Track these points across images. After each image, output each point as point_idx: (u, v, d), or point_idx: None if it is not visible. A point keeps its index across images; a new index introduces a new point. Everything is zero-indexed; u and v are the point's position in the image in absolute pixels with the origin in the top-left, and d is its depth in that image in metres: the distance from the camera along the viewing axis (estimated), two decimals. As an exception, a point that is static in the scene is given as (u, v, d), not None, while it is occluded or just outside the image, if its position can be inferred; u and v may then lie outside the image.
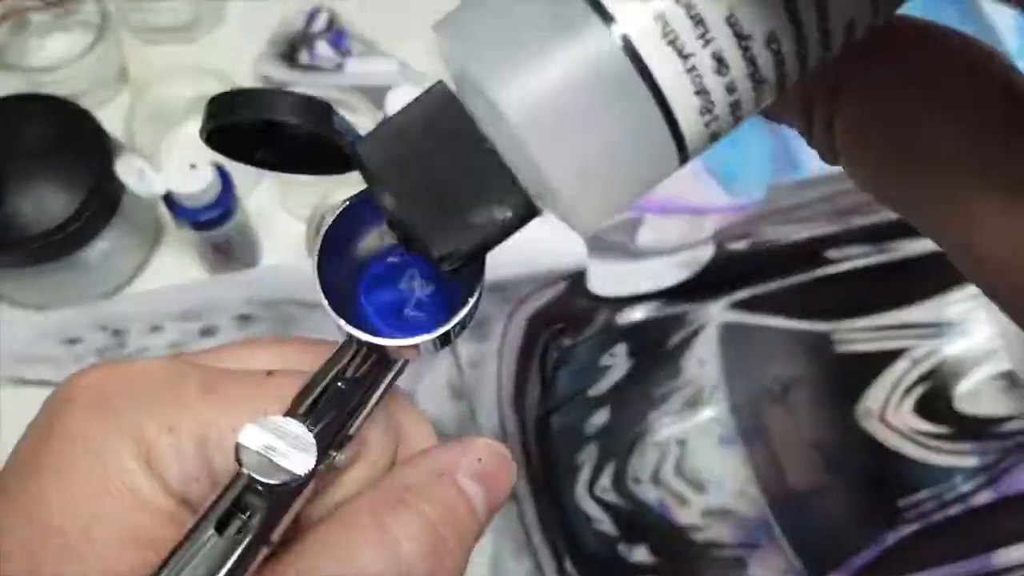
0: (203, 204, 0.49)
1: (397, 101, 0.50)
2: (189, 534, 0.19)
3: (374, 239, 0.21)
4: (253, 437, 0.19)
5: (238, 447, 0.18)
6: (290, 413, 0.20)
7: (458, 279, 0.19)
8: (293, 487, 0.19)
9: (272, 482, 0.18)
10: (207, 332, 0.50)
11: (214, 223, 0.51)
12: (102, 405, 0.21)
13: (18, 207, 0.48)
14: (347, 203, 0.19)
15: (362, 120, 0.60)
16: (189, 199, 0.48)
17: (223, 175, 0.50)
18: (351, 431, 0.20)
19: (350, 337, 0.19)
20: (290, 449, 0.19)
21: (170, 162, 0.48)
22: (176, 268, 0.58)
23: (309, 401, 0.20)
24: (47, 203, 0.49)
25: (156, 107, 0.58)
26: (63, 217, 0.49)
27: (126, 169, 0.46)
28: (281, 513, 0.19)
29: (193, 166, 0.48)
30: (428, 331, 0.19)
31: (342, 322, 0.19)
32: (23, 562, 0.19)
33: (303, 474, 0.19)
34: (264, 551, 0.19)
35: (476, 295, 0.19)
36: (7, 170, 0.48)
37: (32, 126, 0.49)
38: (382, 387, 0.21)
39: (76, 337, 0.48)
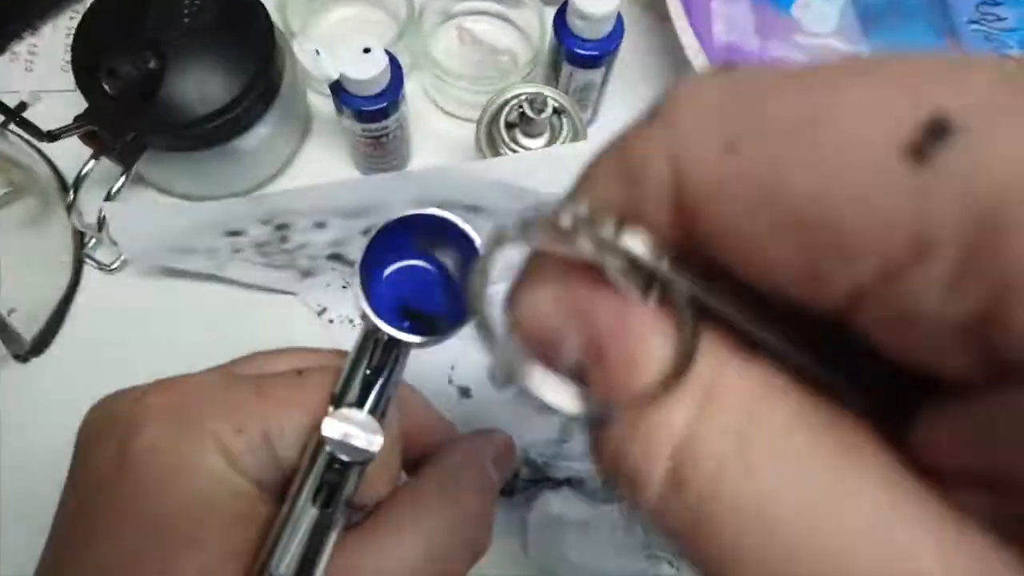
0: (372, 93, 0.46)
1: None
2: (291, 507, 0.24)
3: (397, 255, 0.25)
4: (333, 427, 0.23)
5: (323, 438, 0.23)
6: (338, 400, 0.24)
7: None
8: (367, 461, 0.24)
9: (356, 460, 0.24)
10: (370, 231, 0.48)
11: (380, 115, 0.47)
12: (178, 419, 0.25)
13: (178, 89, 0.45)
14: (392, 221, 0.24)
15: (525, 13, 0.55)
16: (359, 86, 0.45)
17: (394, 64, 0.46)
18: (383, 408, 0.25)
19: (374, 332, 0.24)
20: (362, 432, 0.24)
21: (342, 45, 0.44)
22: (324, 162, 0.55)
23: (352, 390, 0.24)
24: (208, 85, 0.46)
25: (307, -12, 0.54)
26: (225, 101, 0.46)
27: (303, 51, 0.43)
28: (356, 482, 0.24)
29: (367, 50, 0.44)
30: (428, 322, 0.24)
31: (384, 325, 0.23)
32: (144, 564, 0.23)
33: (376, 451, 0.24)
34: (346, 513, 0.24)
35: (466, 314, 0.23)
36: (167, 50, 0.45)
37: (195, 1, 0.46)
38: (397, 371, 0.25)
39: (239, 229, 0.46)
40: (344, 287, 0.52)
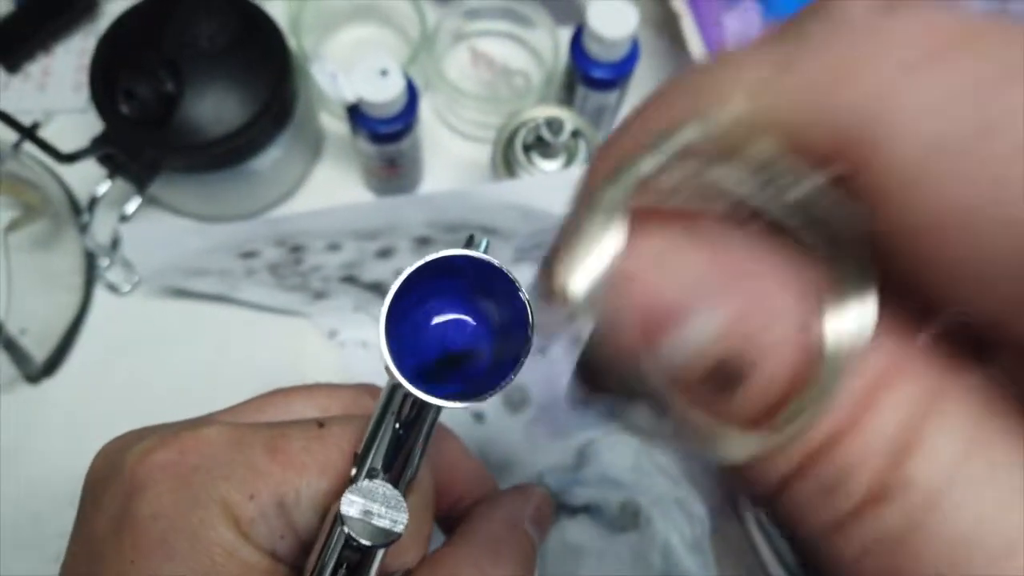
0: (389, 115, 0.46)
1: (597, 14, 0.46)
2: None
3: (428, 299, 0.21)
4: (352, 504, 0.21)
5: (341, 516, 0.20)
6: (360, 462, 0.22)
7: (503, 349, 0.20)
8: (390, 543, 0.21)
9: (377, 543, 0.21)
10: (384, 253, 0.48)
11: (395, 136, 0.47)
12: (183, 483, 0.22)
13: (195, 111, 0.45)
14: (420, 264, 0.20)
15: (538, 34, 0.55)
16: (376, 108, 0.45)
17: (410, 86, 0.46)
18: (413, 470, 0.22)
19: (401, 387, 0.20)
20: (384, 509, 0.21)
21: (359, 68, 0.44)
22: (335, 182, 0.55)
23: (375, 450, 0.22)
24: (224, 107, 0.46)
25: (319, 10, 0.54)
26: (240, 123, 0.46)
27: (321, 74, 0.42)
28: (380, 561, 0.22)
29: (385, 72, 0.44)
30: (460, 379, 0.21)
31: (409, 386, 0.19)
32: None
33: (401, 531, 0.21)
34: None
35: (522, 361, 0.19)
36: (184, 72, 0.45)
37: (211, 24, 0.46)
38: (429, 429, 0.22)
39: (254, 251, 0.46)
40: (355, 309, 0.51)
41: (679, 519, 0.44)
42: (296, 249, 0.46)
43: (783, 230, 0.11)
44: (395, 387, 0.21)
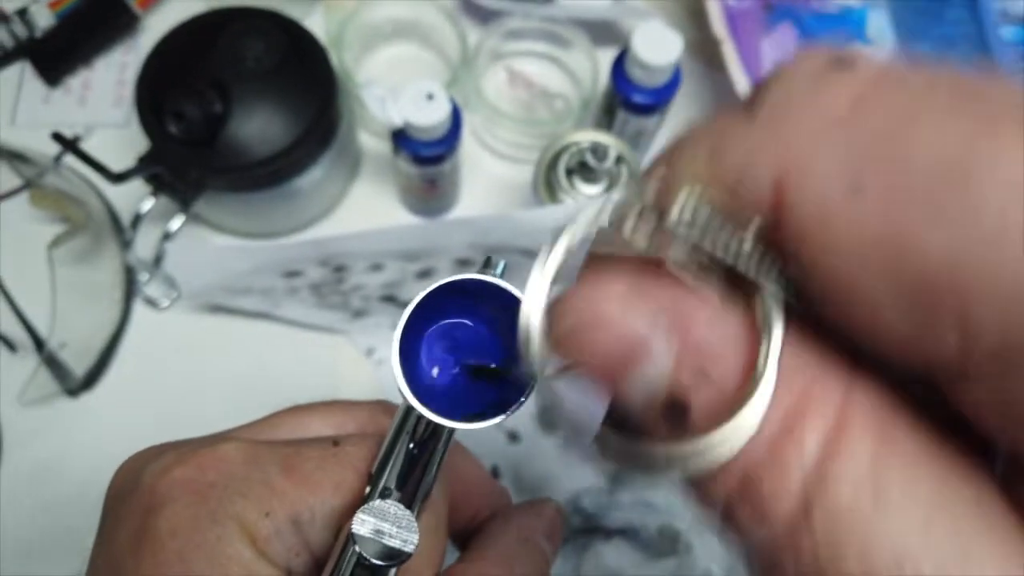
0: (433, 138, 0.46)
1: (642, 39, 0.46)
2: None
3: (443, 322, 0.22)
4: (364, 524, 0.21)
5: (353, 535, 0.21)
6: (373, 482, 0.22)
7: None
8: (401, 562, 0.21)
9: (388, 563, 0.21)
10: (424, 274, 0.48)
11: (437, 159, 0.48)
12: (201, 500, 0.22)
13: (241, 131, 0.46)
14: (436, 287, 0.21)
15: (577, 56, 0.56)
16: (421, 132, 0.45)
17: (455, 110, 0.46)
18: (428, 488, 0.22)
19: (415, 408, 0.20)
20: (395, 529, 0.21)
21: (406, 92, 0.44)
22: (372, 201, 0.56)
23: (389, 469, 0.22)
24: (270, 128, 0.46)
25: (360, 27, 0.55)
26: (286, 143, 0.46)
27: (371, 97, 0.43)
28: None
29: (431, 96, 0.44)
30: (478, 398, 0.21)
31: (421, 407, 0.20)
32: None
33: (411, 551, 0.21)
34: None
35: (531, 388, 0.20)
36: (231, 92, 0.45)
37: (257, 44, 0.46)
38: (443, 450, 0.22)
39: (297, 270, 0.46)
40: (392, 328, 0.52)
41: (716, 546, 0.45)
42: (339, 269, 0.47)
43: (723, 273, 0.12)
44: (410, 407, 0.21)
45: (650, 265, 0.12)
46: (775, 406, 0.12)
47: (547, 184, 0.47)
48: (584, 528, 0.47)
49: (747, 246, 0.12)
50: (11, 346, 0.49)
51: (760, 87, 0.13)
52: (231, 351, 0.52)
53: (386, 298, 0.49)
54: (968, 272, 0.10)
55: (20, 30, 0.55)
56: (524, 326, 0.13)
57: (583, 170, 0.47)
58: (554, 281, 0.13)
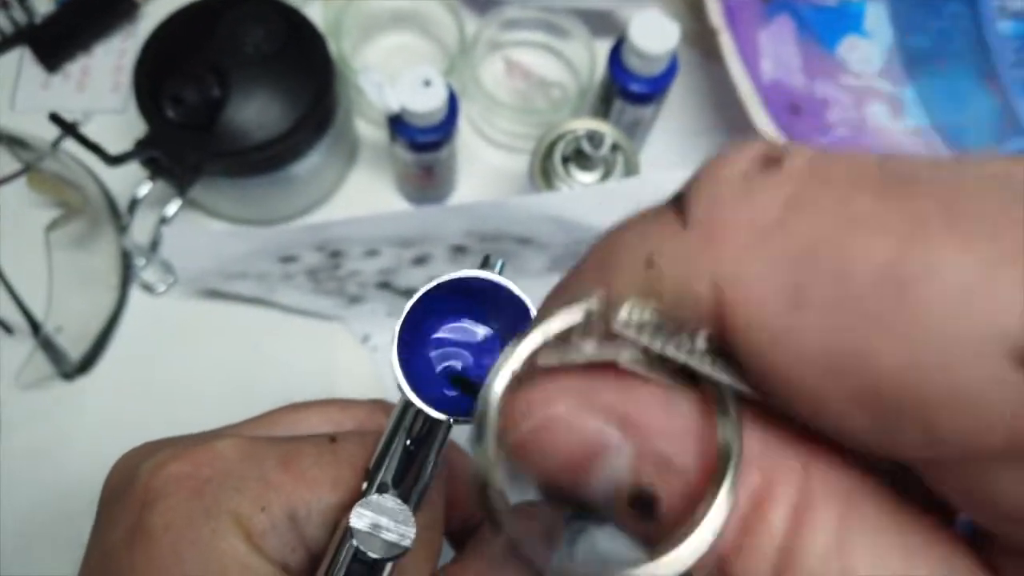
0: (430, 125, 0.46)
1: (639, 28, 0.46)
2: None
3: (442, 318, 0.22)
4: (361, 518, 0.21)
5: (350, 529, 0.21)
6: (370, 477, 0.22)
7: None
8: (398, 556, 0.21)
9: (385, 556, 0.21)
10: (420, 260, 0.48)
11: (434, 146, 0.48)
12: (196, 495, 0.22)
13: (239, 116, 0.46)
14: (435, 284, 0.20)
15: (574, 46, 0.56)
16: (418, 118, 0.45)
17: (452, 97, 0.47)
18: (425, 485, 0.23)
19: (413, 403, 0.20)
20: (393, 524, 0.21)
21: (403, 78, 0.44)
22: (369, 189, 0.56)
23: (386, 465, 0.22)
24: (267, 113, 0.46)
25: (358, 15, 0.55)
26: (283, 129, 0.46)
27: (368, 83, 0.43)
28: (381, 575, 0.22)
29: (428, 83, 0.44)
30: (471, 398, 0.21)
31: (419, 401, 0.20)
32: None
33: (408, 545, 0.21)
34: None
35: None
36: (229, 77, 0.46)
37: (256, 30, 0.46)
38: (440, 447, 0.23)
39: (294, 255, 0.46)
40: (388, 315, 0.52)
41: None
42: (335, 254, 0.47)
43: (674, 367, 0.12)
44: (407, 404, 0.22)
45: (600, 368, 0.13)
46: (741, 488, 0.12)
47: (543, 172, 0.48)
48: (578, 515, 0.47)
49: (699, 345, 0.12)
50: (7, 329, 0.49)
51: (690, 184, 0.13)
52: (227, 337, 0.52)
53: (382, 284, 0.50)
54: (924, 383, 0.10)
55: (20, 16, 0.55)
56: (480, 430, 0.13)
57: (579, 157, 0.47)
58: (510, 385, 0.13)
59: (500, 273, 0.21)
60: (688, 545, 0.12)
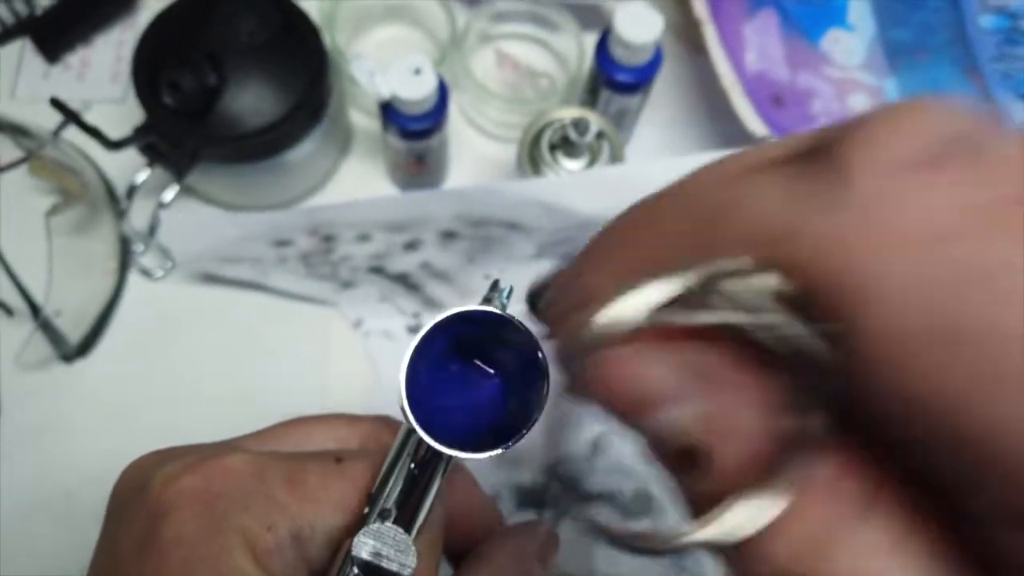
0: (420, 112, 0.47)
1: (623, 19, 0.48)
2: None
3: (449, 351, 0.22)
4: (363, 546, 0.22)
5: (352, 557, 0.21)
6: (373, 502, 0.23)
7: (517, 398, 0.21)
8: None
9: None
10: (411, 246, 0.49)
11: (425, 134, 0.49)
12: (207, 510, 0.23)
13: (235, 103, 0.47)
14: (444, 317, 0.21)
15: (563, 39, 0.57)
16: (409, 105, 0.46)
17: (441, 84, 0.48)
18: (426, 510, 0.23)
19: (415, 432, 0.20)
20: (394, 552, 0.22)
21: (394, 66, 0.46)
22: (362, 177, 0.57)
23: (388, 490, 0.23)
24: (262, 101, 0.47)
25: (352, 8, 0.56)
26: (278, 116, 0.47)
27: (360, 71, 0.44)
28: None
29: (418, 71, 0.46)
30: (478, 426, 0.22)
31: (425, 435, 0.20)
32: None
33: (408, 575, 0.22)
34: None
35: (535, 417, 0.20)
36: (226, 65, 0.47)
37: (251, 20, 0.47)
38: (443, 474, 0.23)
39: (288, 239, 0.48)
40: (380, 300, 0.53)
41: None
42: (328, 239, 0.48)
43: (763, 348, 0.12)
44: (410, 431, 0.22)
45: (694, 335, 0.12)
46: (806, 522, 0.12)
47: (531, 159, 0.49)
48: (564, 493, 0.48)
49: (812, 343, 0.11)
50: (8, 311, 0.50)
51: (847, 148, 0.11)
52: (224, 322, 0.53)
53: (374, 269, 0.51)
54: None
55: (21, 8, 0.56)
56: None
57: (565, 145, 0.48)
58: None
59: (508, 297, 0.22)
60: (739, 512, 0.12)
